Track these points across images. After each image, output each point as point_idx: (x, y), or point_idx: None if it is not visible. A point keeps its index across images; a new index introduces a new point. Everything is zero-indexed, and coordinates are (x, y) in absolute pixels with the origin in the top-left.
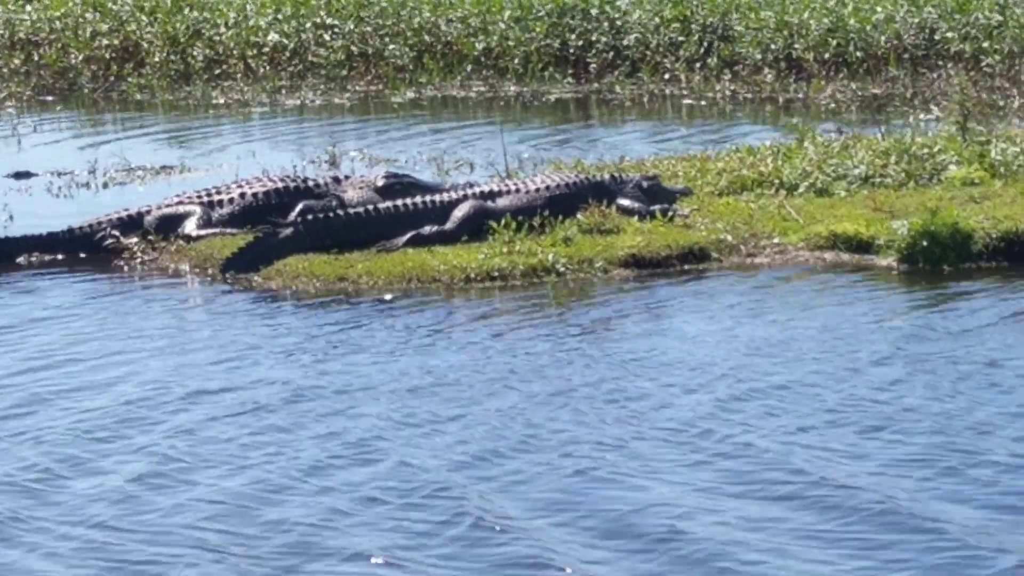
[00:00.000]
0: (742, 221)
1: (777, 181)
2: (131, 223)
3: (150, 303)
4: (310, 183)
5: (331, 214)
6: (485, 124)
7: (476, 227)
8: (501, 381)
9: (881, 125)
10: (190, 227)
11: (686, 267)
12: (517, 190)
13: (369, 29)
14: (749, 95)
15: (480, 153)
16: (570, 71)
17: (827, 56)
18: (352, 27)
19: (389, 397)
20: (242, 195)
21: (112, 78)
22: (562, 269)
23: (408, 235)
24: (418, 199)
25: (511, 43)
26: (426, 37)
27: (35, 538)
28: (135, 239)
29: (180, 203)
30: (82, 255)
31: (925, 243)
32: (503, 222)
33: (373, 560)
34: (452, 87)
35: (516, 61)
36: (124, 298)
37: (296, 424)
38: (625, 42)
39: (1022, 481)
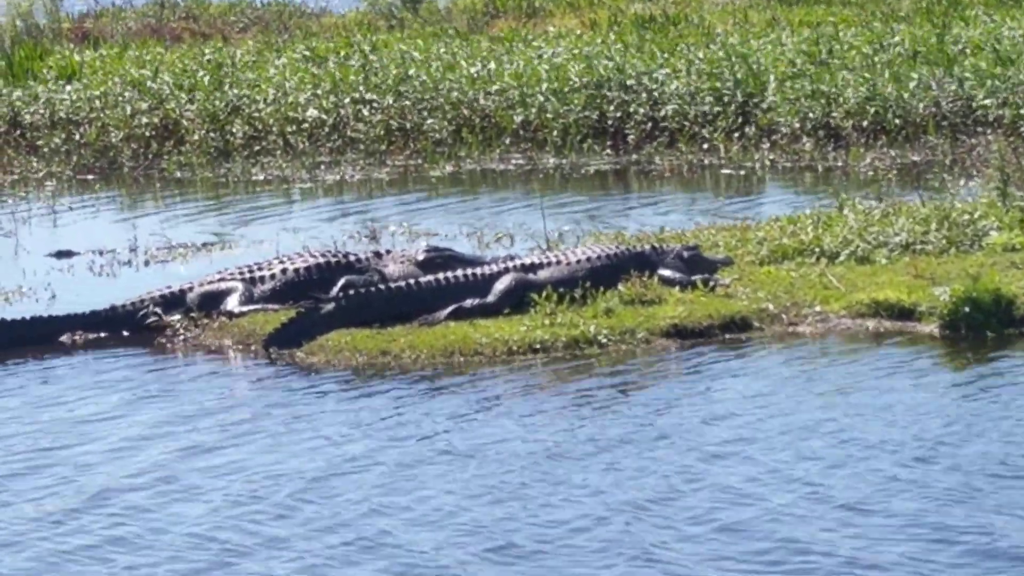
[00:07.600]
0: (783, 290)
1: (818, 249)
2: (173, 300)
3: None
4: (351, 258)
5: (373, 289)
6: (524, 196)
7: (518, 299)
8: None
9: (921, 192)
10: (232, 303)
11: (728, 336)
12: (558, 262)
13: (407, 104)
14: (788, 164)
15: (520, 225)
16: (608, 142)
17: (865, 124)
18: (390, 102)
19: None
20: (284, 271)
21: (152, 156)
22: (604, 340)
23: (450, 308)
24: (459, 272)
25: (549, 115)
26: (464, 111)
27: None
28: (177, 316)
29: (222, 280)
30: (125, 333)
31: (967, 309)
32: (544, 294)
33: None
34: (491, 160)
35: (555, 133)
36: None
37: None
38: (663, 113)
39: None
